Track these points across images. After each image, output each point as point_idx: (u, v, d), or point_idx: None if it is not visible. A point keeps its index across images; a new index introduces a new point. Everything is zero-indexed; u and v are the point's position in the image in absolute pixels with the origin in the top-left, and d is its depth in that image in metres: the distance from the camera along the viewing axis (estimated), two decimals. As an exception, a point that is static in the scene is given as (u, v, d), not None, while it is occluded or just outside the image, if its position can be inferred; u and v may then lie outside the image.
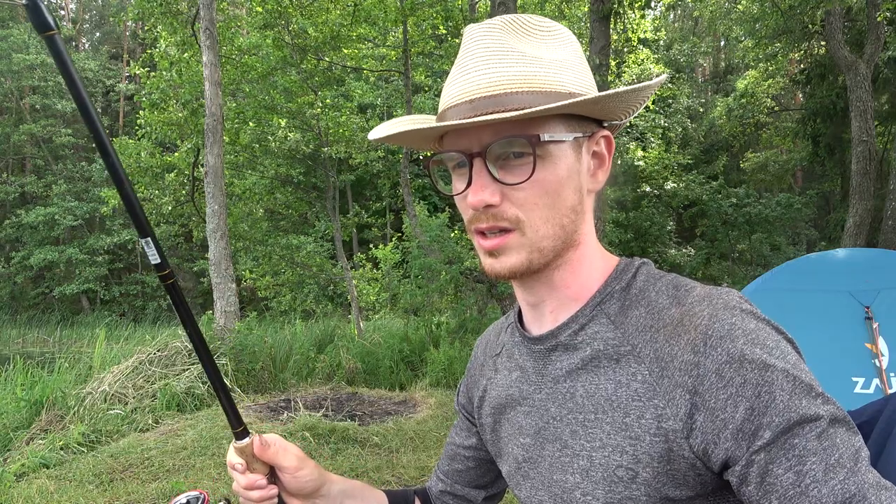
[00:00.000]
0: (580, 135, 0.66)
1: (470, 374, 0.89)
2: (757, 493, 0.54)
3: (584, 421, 0.66)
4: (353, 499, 0.87)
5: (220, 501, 0.82)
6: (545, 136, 0.62)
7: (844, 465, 0.52)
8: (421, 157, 15.36)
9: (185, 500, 0.81)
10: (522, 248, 0.65)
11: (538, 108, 0.59)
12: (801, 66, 15.39)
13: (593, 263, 0.71)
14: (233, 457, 0.78)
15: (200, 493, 0.82)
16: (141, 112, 10.92)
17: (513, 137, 0.62)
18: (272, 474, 0.80)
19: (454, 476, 0.93)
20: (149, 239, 0.68)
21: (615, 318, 0.66)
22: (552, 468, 0.69)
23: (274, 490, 0.79)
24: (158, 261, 0.70)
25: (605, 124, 0.71)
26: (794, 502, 0.52)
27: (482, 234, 0.66)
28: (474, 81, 0.63)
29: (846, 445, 0.53)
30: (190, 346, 6.24)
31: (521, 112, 0.59)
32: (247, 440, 0.77)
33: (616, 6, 7.84)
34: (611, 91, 0.63)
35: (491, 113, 0.61)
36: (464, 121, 0.61)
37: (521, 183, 0.63)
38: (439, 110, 0.68)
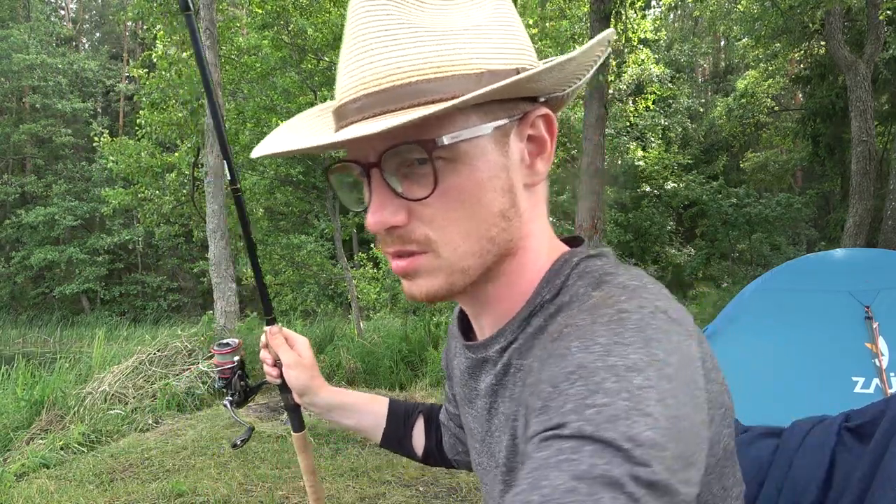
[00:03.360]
0: (504, 121, 0.53)
1: (449, 341, 0.83)
2: None
3: (500, 440, 0.60)
4: (342, 410, 0.96)
5: (236, 357, 1.06)
6: (446, 139, 0.50)
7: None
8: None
9: (225, 341, 1.07)
10: (439, 270, 0.55)
11: (409, 118, 0.46)
12: (802, 65, 15.40)
13: (536, 271, 0.59)
14: (263, 336, 0.98)
15: (237, 344, 1.07)
16: (141, 112, 10.92)
17: (406, 144, 0.50)
18: (279, 362, 0.96)
19: (451, 414, 0.92)
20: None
21: (535, 332, 0.56)
22: (493, 483, 0.63)
23: (276, 371, 0.97)
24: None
25: (542, 99, 0.57)
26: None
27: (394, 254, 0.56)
28: (357, 75, 0.51)
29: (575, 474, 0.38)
30: (191, 347, 6.26)
31: (390, 123, 0.46)
32: (268, 328, 0.97)
33: (616, 6, 7.85)
34: (533, 70, 0.51)
35: (379, 114, 0.50)
36: (331, 140, 0.51)
37: (425, 198, 0.52)
38: (334, 105, 0.56)
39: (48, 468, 3.99)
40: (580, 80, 0.59)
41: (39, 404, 4.91)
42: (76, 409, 4.92)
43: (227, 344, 1.06)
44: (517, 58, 0.54)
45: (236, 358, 1.05)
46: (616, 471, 0.37)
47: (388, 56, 0.50)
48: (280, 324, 1.00)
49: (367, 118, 0.51)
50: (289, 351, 0.95)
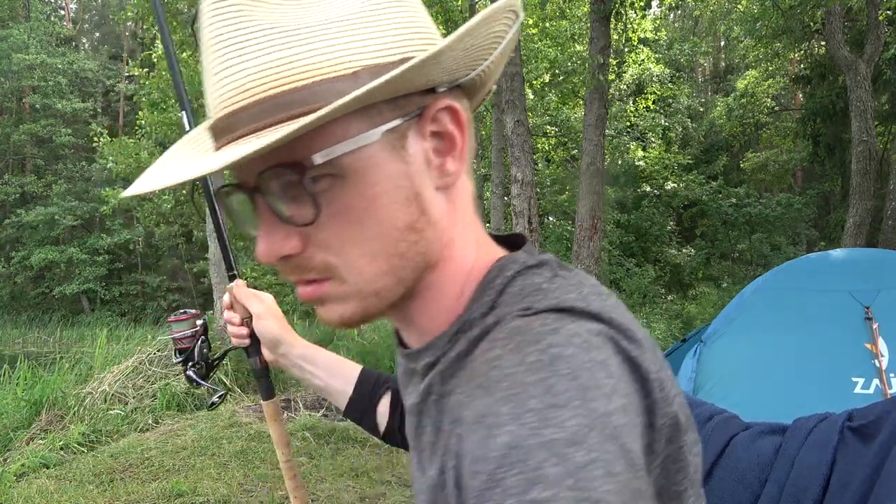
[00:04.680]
0: (396, 122, 0.46)
1: None
2: None
3: (423, 466, 0.54)
4: (314, 365, 0.93)
5: (199, 321, 1.03)
6: (318, 158, 0.44)
7: None
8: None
9: (179, 311, 1.03)
10: (348, 297, 0.49)
11: (251, 148, 0.40)
12: (802, 65, 15.40)
13: (463, 281, 0.53)
14: (225, 295, 0.95)
15: (193, 311, 1.03)
16: (141, 112, 10.93)
17: (276, 167, 0.44)
18: (249, 319, 0.93)
19: None
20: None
21: (452, 353, 0.51)
22: (418, 496, 0.57)
23: (244, 330, 0.94)
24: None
25: (441, 89, 0.48)
26: None
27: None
28: (223, 87, 0.45)
29: None
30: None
31: (239, 156, 0.41)
32: (231, 284, 0.94)
33: (616, 6, 7.84)
34: (411, 61, 0.42)
35: (248, 133, 0.45)
36: (195, 174, 0.45)
37: (310, 223, 0.46)
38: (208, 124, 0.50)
39: (48, 468, 3.99)
40: (486, 59, 0.51)
41: (39, 404, 4.92)
42: (76, 409, 4.92)
43: (185, 312, 1.02)
44: (404, 46, 0.46)
45: (199, 322, 1.01)
46: None
47: (246, 65, 0.44)
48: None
49: (241, 137, 0.45)
50: (259, 301, 0.93)
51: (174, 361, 1.00)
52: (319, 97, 0.43)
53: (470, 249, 0.53)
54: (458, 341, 0.50)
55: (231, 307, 0.95)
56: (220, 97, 0.46)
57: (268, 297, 0.94)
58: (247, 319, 0.94)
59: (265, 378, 1.00)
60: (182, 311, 1.02)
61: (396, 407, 0.91)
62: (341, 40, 0.44)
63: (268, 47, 0.43)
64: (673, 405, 0.46)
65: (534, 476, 0.34)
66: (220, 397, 1.02)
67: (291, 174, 0.44)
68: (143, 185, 0.52)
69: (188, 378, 1.00)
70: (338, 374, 0.94)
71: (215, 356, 1.02)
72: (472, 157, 0.53)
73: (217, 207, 1.01)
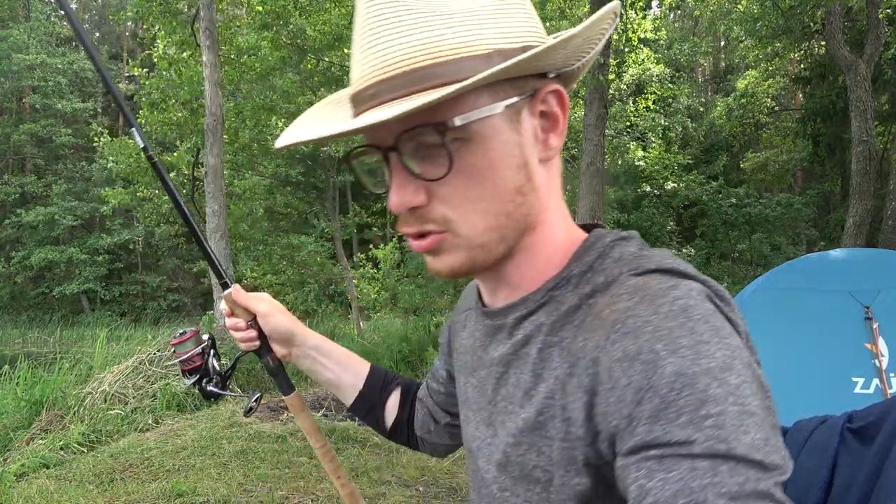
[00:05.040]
0: (515, 99, 0.54)
1: (454, 318, 0.84)
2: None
3: (510, 412, 0.59)
4: (328, 357, 0.93)
5: (205, 335, 0.96)
6: (457, 121, 0.52)
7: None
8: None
9: (179, 331, 0.96)
10: (459, 248, 0.57)
11: (419, 103, 0.48)
12: (802, 65, 15.39)
13: (555, 244, 0.61)
14: (221, 305, 0.94)
15: (194, 327, 0.98)
16: (141, 112, 10.92)
17: (419, 127, 0.52)
18: (254, 321, 0.92)
19: (431, 391, 0.91)
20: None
21: (561, 306, 0.57)
22: (479, 452, 0.64)
23: (252, 333, 0.92)
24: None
25: (552, 75, 0.58)
26: None
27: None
28: (368, 62, 0.53)
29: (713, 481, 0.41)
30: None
31: (398, 110, 0.48)
32: (227, 290, 0.92)
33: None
34: (539, 48, 0.51)
35: (393, 99, 0.52)
36: (348, 127, 0.52)
37: (441, 178, 0.53)
38: (350, 93, 0.58)
39: (48, 468, 3.99)
40: (588, 53, 0.60)
41: (39, 404, 4.92)
42: (76, 409, 4.92)
43: (184, 332, 0.96)
44: (524, 36, 0.54)
45: (205, 337, 0.96)
46: (762, 484, 0.41)
47: (398, 42, 0.51)
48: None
49: (383, 103, 0.52)
50: (262, 300, 0.92)
51: (187, 384, 0.95)
52: (459, 72, 0.51)
53: (560, 220, 0.62)
54: (557, 297, 0.58)
55: (232, 314, 0.93)
56: (369, 68, 0.53)
57: (266, 296, 0.94)
58: (251, 322, 0.93)
59: (282, 374, 0.98)
60: (181, 331, 0.96)
61: (406, 402, 0.94)
62: (479, 26, 0.52)
63: (418, 28, 0.51)
64: (755, 356, 0.54)
65: (703, 396, 0.43)
66: (256, 401, 0.99)
67: (433, 134, 0.52)
68: (294, 135, 0.60)
69: (209, 394, 0.97)
70: (349, 367, 0.94)
71: (227, 366, 0.99)
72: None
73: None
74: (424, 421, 0.92)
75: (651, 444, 0.44)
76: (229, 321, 0.93)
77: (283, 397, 0.99)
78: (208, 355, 0.95)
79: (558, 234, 0.61)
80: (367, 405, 0.94)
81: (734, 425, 0.42)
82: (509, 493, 0.59)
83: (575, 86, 0.71)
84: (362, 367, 0.95)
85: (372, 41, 0.52)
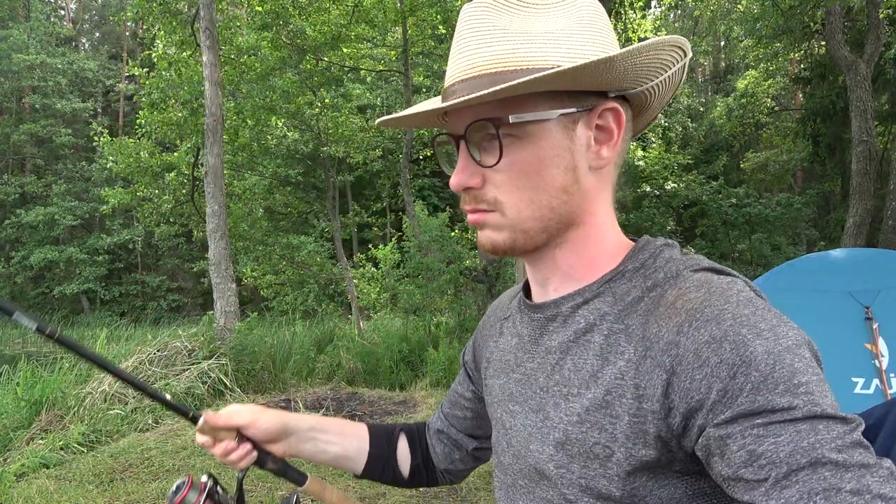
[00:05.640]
0: (572, 110, 0.63)
1: (480, 333, 0.88)
2: (719, 466, 0.53)
3: (567, 394, 0.64)
4: (326, 433, 0.92)
5: (202, 477, 0.88)
6: (512, 118, 0.61)
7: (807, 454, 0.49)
8: (420, 158, 15.37)
9: (174, 487, 0.86)
10: (503, 227, 0.65)
11: (472, 96, 0.58)
12: (802, 65, 15.39)
13: (603, 243, 0.68)
14: (199, 438, 0.88)
15: (186, 477, 0.87)
16: (141, 112, 10.92)
17: (481, 121, 0.63)
18: (240, 435, 0.88)
19: (452, 419, 0.93)
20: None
21: (619, 296, 0.64)
22: (530, 437, 0.68)
23: (247, 446, 0.88)
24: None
25: (612, 94, 0.65)
26: (749, 474, 0.51)
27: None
28: (457, 66, 0.64)
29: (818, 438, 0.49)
30: (191, 347, 6.25)
31: (462, 99, 0.59)
32: (201, 420, 0.85)
33: (616, 6, 7.84)
34: (571, 65, 0.58)
35: (469, 95, 0.61)
36: (431, 107, 0.64)
37: (493, 165, 0.63)
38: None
39: (48, 468, 3.99)
40: (650, 81, 0.66)
41: (39, 404, 4.91)
42: (76, 409, 4.92)
43: (179, 487, 0.85)
44: (589, 56, 0.61)
45: (203, 479, 0.87)
46: (855, 435, 0.50)
47: (480, 52, 0.62)
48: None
49: (460, 97, 0.61)
50: (240, 412, 0.87)
51: None
52: (520, 78, 0.59)
53: (608, 221, 0.69)
54: (613, 289, 0.65)
55: (215, 441, 0.87)
56: (456, 70, 0.64)
57: (237, 406, 0.89)
58: (238, 437, 0.88)
59: (289, 468, 0.92)
60: (175, 487, 0.85)
61: (416, 445, 0.97)
62: (551, 45, 0.62)
63: (498, 42, 0.62)
64: None
65: (792, 369, 0.51)
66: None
67: (490, 126, 0.62)
68: (392, 116, 0.71)
69: None
70: (350, 434, 0.94)
71: (235, 495, 0.93)
72: (622, 160, 0.70)
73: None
74: (447, 453, 0.94)
75: (756, 411, 0.50)
76: (218, 449, 0.87)
77: (300, 489, 0.94)
78: (216, 494, 0.87)
79: (608, 235, 0.69)
80: (381, 462, 0.94)
81: (819, 391, 0.51)
82: (565, 470, 0.63)
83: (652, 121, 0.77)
84: (361, 430, 0.95)
85: (462, 49, 0.64)
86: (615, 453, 0.59)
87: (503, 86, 0.57)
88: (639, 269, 0.65)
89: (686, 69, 0.67)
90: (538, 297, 0.73)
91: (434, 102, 0.71)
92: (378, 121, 0.71)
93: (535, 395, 0.69)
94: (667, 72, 0.66)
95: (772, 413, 0.50)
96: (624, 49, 0.59)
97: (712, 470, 0.55)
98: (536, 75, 0.57)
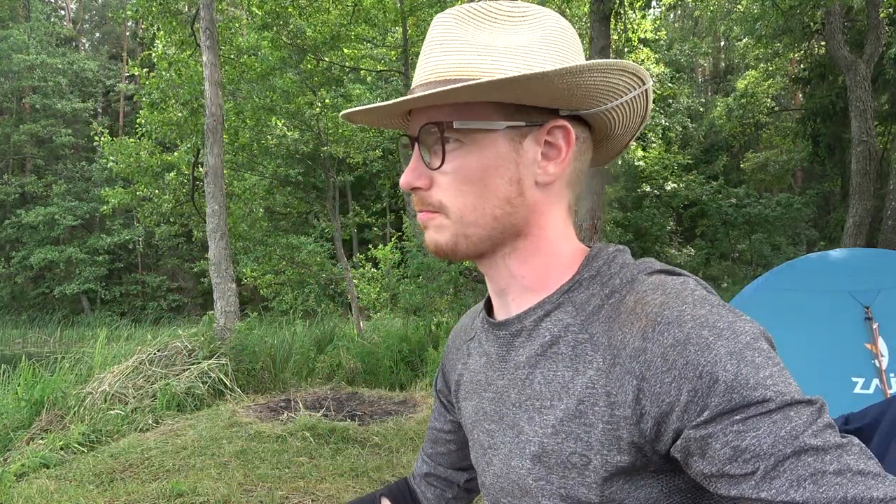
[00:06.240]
0: (520, 124, 0.64)
1: (447, 358, 0.89)
2: (700, 465, 0.55)
3: (540, 407, 0.65)
4: None
5: None
6: (456, 124, 0.63)
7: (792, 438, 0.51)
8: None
9: None
10: (447, 229, 0.67)
11: (408, 97, 0.61)
12: (801, 65, 15.39)
13: (554, 255, 0.69)
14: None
15: None
16: (141, 112, 10.91)
17: (430, 124, 0.64)
18: None
19: (437, 458, 0.93)
20: None
21: (580, 306, 0.65)
22: (510, 454, 0.69)
23: None
24: None
25: (563, 113, 0.66)
26: (732, 470, 0.53)
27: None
28: (420, 71, 0.66)
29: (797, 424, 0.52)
30: (191, 347, 6.25)
31: (402, 99, 0.62)
32: None
33: (616, 6, 7.84)
34: (505, 75, 0.58)
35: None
36: (373, 106, 0.65)
37: (438, 167, 0.65)
38: None
39: (48, 468, 3.99)
40: (602, 104, 0.65)
41: (39, 404, 4.91)
42: (76, 409, 4.92)
43: None
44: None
45: None
46: (823, 417, 0.53)
47: (440, 60, 0.64)
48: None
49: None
50: None
51: None
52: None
53: (559, 233, 0.69)
54: (572, 299, 0.66)
55: None
56: (420, 75, 0.66)
57: None
58: None
59: None
60: None
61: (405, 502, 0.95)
62: (507, 59, 0.62)
63: (457, 53, 0.64)
64: None
65: (755, 363, 0.54)
66: None
67: (436, 129, 0.64)
68: (357, 110, 0.71)
69: None
70: None
71: None
72: (579, 180, 0.71)
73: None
74: (440, 494, 0.94)
75: (732, 409, 0.52)
76: None
77: None
78: None
79: (561, 248, 0.69)
80: None
81: (783, 379, 0.54)
82: (544, 482, 0.64)
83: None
84: None
85: (427, 56, 0.66)
86: (592, 461, 0.60)
87: (437, 90, 0.59)
88: (595, 277, 0.66)
89: (649, 98, 0.67)
90: (500, 312, 0.73)
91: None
92: (342, 113, 0.71)
93: (509, 411, 0.69)
94: (620, 98, 0.65)
95: (747, 408, 0.52)
96: (560, 66, 0.59)
97: (691, 469, 0.56)
98: (470, 83, 0.58)
